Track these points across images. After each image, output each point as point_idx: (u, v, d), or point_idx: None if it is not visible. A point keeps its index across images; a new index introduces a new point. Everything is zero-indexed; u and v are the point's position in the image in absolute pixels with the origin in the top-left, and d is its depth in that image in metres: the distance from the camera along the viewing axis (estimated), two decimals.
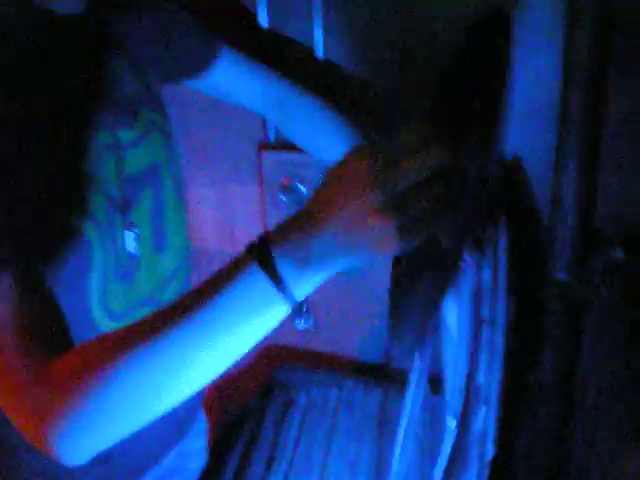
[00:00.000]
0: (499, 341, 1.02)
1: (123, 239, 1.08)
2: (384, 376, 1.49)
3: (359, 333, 1.67)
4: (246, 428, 1.40)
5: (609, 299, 1.09)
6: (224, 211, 1.71)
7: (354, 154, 0.78)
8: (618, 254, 1.11)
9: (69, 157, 1.00)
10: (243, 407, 1.47)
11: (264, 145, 1.60)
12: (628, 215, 1.34)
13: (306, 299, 0.81)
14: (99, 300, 1.06)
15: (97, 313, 1.06)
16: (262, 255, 0.78)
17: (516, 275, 1.11)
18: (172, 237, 1.19)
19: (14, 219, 0.88)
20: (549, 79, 1.25)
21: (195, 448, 1.41)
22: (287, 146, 1.57)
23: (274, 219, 1.62)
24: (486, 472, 0.90)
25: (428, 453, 1.23)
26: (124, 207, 1.08)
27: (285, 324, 1.66)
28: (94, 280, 1.04)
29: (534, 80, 1.20)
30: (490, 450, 0.91)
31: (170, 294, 1.19)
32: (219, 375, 0.82)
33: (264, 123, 1.59)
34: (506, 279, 1.07)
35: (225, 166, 1.68)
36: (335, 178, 0.78)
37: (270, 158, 1.58)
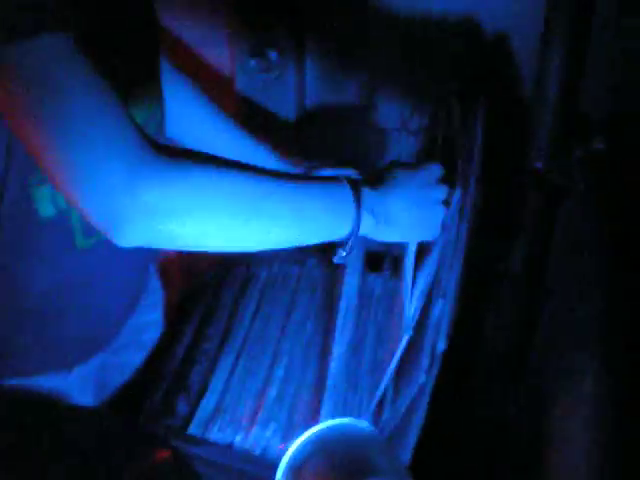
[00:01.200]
0: (463, 232, 0.98)
1: None
2: None
3: None
4: (203, 301, 1.36)
5: (587, 192, 1.05)
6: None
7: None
8: (600, 145, 1.07)
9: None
10: (202, 279, 1.43)
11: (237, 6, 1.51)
12: (613, 100, 1.29)
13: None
14: None
15: None
16: (354, 183, 0.97)
17: (489, 160, 1.07)
18: None
19: None
20: None
21: (151, 320, 1.38)
22: (258, 7, 1.48)
23: (243, 84, 1.54)
24: (436, 366, 0.88)
25: (376, 337, 1.21)
26: None
27: None
28: None
29: None
30: (442, 345, 0.89)
31: None
32: (273, 245, 0.93)
33: None
34: (477, 166, 1.03)
35: (194, 31, 1.58)
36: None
37: (242, 21, 1.49)
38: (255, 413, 1.12)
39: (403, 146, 1.52)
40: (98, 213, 0.81)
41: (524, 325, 1.26)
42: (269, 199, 0.90)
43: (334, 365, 1.14)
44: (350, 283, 1.28)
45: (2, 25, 0.76)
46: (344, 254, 0.99)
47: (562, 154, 1.08)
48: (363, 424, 0.98)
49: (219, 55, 1.57)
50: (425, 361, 0.89)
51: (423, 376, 0.89)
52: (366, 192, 0.98)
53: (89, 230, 1.03)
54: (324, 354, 1.18)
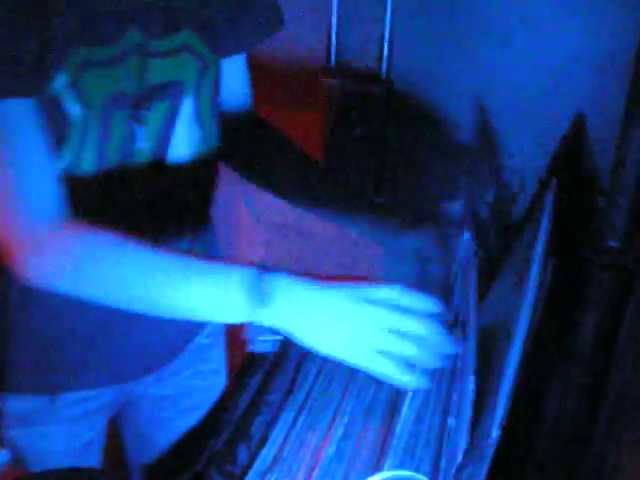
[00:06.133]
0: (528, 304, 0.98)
1: (126, 135, 1.10)
2: None
3: (390, 273, 1.64)
4: (269, 356, 1.39)
5: None
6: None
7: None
8: None
9: (89, 25, 1.02)
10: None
11: (324, 71, 1.56)
12: None
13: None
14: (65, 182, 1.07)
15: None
16: (261, 269, 0.94)
17: (561, 237, 1.07)
18: (175, 157, 1.18)
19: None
20: (626, 37, 1.19)
21: (212, 369, 1.45)
22: (348, 74, 1.54)
23: (329, 146, 1.59)
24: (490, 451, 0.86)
25: (440, 404, 1.20)
26: (134, 104, 1.09)
27: (325, 256, 1.65)
28: (67, 149, 1.05)
29: (609, 35, 1.15)
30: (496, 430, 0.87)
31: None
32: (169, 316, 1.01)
33: (327, 48, 1.55)
34: (547, 240, 1.03)
35: (285, 88, 1.64)
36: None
37: (330, 84, 1.55)
38: (312, 469, 1.13)
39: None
40: (7, 251, 1.00)
41: (590, 405, 1.24)
42: (147, 281, 0.98)
43: (400, 428, 1.13)
44: None
45: None
46: (260, 346, 1.00)
47: (636, 235, 1.09)
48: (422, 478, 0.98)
49: (308, 114, 1.63)
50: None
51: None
52: (272, 277, 0.93)
53: None
54: (388, 416, 1.18)
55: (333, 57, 1.55)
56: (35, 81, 0.97)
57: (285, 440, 1.17)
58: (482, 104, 1.51)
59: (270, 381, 1.32)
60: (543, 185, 1.15)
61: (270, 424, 1.21)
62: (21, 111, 0.98)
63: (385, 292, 0.93)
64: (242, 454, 1.17)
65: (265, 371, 1.35)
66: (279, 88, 1.63)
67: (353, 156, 1.59)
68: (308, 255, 1.71)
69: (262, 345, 0.96)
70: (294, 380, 1.30)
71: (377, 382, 1.25)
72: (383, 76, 1.52)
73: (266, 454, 1.16)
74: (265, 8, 1.26)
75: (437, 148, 1.58)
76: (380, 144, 1.56)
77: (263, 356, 1.39)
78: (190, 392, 1.43)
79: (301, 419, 1.22)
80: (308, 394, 1.27)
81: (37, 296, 1.09)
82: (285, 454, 1.15)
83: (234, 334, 1.51)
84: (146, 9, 1.07)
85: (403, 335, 0.90)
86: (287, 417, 1.22)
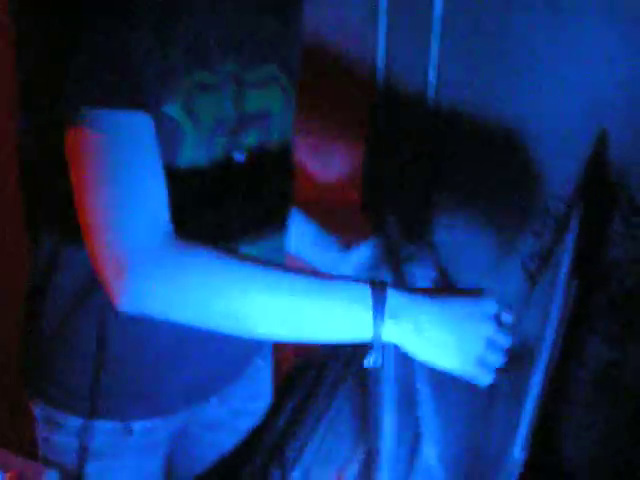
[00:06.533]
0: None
1: (225, 160, 1.11)
2: None
3: None
4: (308, 377, 1.40)
5: None
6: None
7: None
8: None
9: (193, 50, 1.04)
10: (309, 356, 1.47)
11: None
12: None
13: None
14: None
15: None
16: (378, 285, 0.94)
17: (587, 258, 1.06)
18: (266, 186, 1.20)
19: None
20: None
21: (261, 390, 1.46)
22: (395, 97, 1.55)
23: (369, 178, 1.60)
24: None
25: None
26: (233, 130, 1.11)
27: None
28: (173, 181, 1.03)
29: None
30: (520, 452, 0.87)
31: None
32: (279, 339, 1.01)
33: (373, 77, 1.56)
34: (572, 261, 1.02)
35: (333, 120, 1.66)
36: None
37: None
38: None
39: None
40: (102, 277, 0.93)
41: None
42: (265, 294, 0.94)
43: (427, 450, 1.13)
44: None
45: (95, 88, 0.91)
46: (372, 360, 0.95)
47: None
48: None
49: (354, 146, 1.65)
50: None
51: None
52: (391, 294, 0.93)
53: None
54: (414, 439, 1.18)
55: (381, 79, 1.56)
56: (156, 98, 0.98)
57: (312, 463, 1.18)
58: (526, 129, 1.51)
59: (306, 406, 1.33)
60: (570, 207, 1.15)
61: (302, 448, 1.22)
62: (137, 125, 0.96)
63: (491, 307, 0.98)
64: (276, 478, 1.18)
65: (302, 395, 1.36)
66: (327, 111, 1.65)
67: (398, 178, 1.60)
68: None
69: (373, 360, 0.95)
70: (329, 404, 1.31)
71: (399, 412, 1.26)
72: (430, 103, 1.53)
73: (298, 476, 1.17)
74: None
75: (481, 171, 1.58)
76: (426, 164, 1.57)
77: (300, 379, 1.40)
78: (240, 414, 1.43)
79: (328, 441, 1.22)
80: (340, 417, 1.27)
81: (118, 324, 1.11)
82: (316, 475, 1.16)
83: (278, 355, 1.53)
84: (240, 40, 1.11)
85: (499, 347, 0.98)
86: (316, 441, 1.22)
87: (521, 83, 1.49)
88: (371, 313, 0.92)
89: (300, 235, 1.38)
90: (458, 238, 1.59)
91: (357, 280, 0.96)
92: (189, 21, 1.03)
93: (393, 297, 0.93)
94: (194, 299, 0.94)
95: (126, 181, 0.94)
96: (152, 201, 0.96)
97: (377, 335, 0.93)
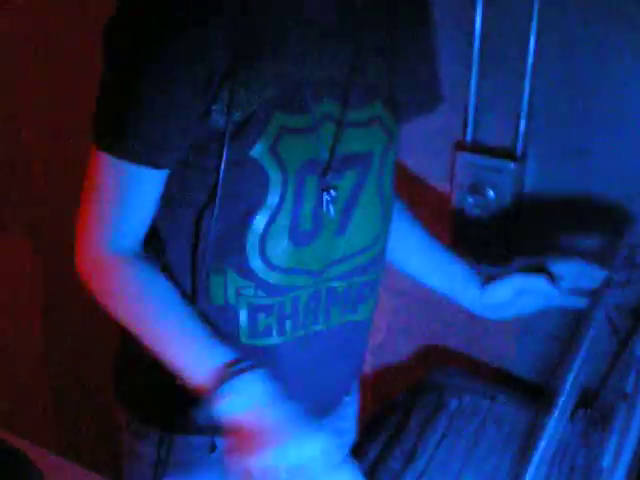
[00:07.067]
0: None
1: (316, 201, 1.14)
2: (540, 396, 1.45)
3: (522, 348, 1.64)
4: (392, 421, 1.41)
5: None
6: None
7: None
8: None
9: (280, 94, 1.08)
10: (393, 401, 1.47)
11: (460, 145, 1.59)
12: None
13: None
14: (257, 242, 1.12)
15: (252, 254, 1.13)
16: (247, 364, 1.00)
17: None
18: (356, 227, 1.20)
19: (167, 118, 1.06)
20: None
21: (347, 427, 1.46)
22: (483, 149, 1.56)
23: (459, 219, 1.61)
24: None
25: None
26: (325, 171, 1.13)
27: (448, 325, 1.67)
28: (258, 221, 1.11)
29: None
30: None
31: (334, 274, 1.21)
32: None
33: (464, 122, 1.58)
34: None
35: (418, 160, 1.68)
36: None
37: (464, 159, 1.57)
38: None
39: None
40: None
41: None
42: (156, 325, 1.08)
43: None
44: (552, 426, 1.27)
45: (107, 137, 1.07)
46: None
47: None
48: None
49: (439, 187, 1.66)
50: None
51: None
52: (243, 378, 0.98)
53: (254, 332, 1.17)
54: None
55: (469, 132, 1.58)
56: (161, 155, 1.08)
57: None
58: (613, 183, 1.50)
59: (391, 447, 1.33)
60: None
61: None
62: (138, 175, 1.08)
63: (310, 451, 0.93)
64: None
65: (386, 438, 1.37)
66: (413, 160, 1.67)
67: (483, 230, 1.60)
68: (434, 325, 1.73)
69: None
70: (415, 448, 1.32)
71: (499, 454, 1.26)
72: (518, 153, 1.54)
73: None
74: (430, 83, 1.32)
75: (569, 225, 1.57)
76: (511, 219, 1.57)
77: (384, 422, 1.41)
78: None
79: None
80: (428, 462, 1.28)
81: None
82: None
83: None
84: (344, 81, 1.12)
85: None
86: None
87: (613, 140, 1.48)
88: (214, 381, 0.99)
89: (447, 273, 1.38)
90: None
91: (224, 351, 1.03)
92: (273, 66, 1.06)
93: (244, 383, 0.98)
94: (114, 300, 1.12)
95: (105, 208, 1.11)
96: (120, 226, 1.12)
97: (209, 399, 0.99)
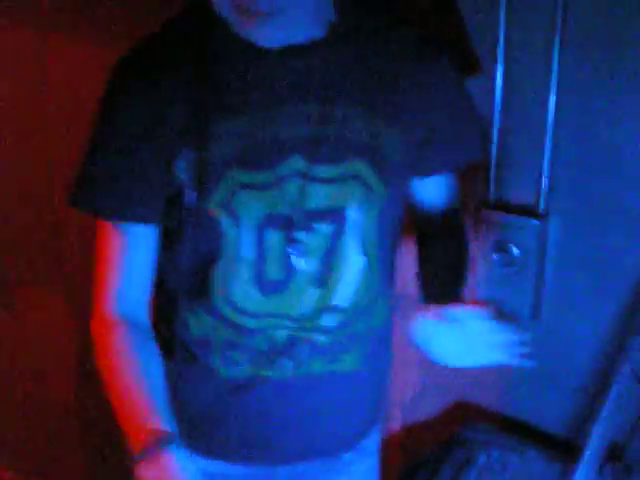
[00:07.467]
0: None
1: (282, 254, 1.17)
2: (568, 451, 1.45)
3: (550, 403, 1.64)
4: (422, 477, 1.41)
5: None
6: None
7: None
8: None
9: (244, 150, 1.12)
10: (421, 458, 1.48)
11: (484, 203, 1.61)
12: None
13: None
14: (222, 288, 1.18)
15: (217, 299, 1.19)
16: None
17: None
18: (336, 279, 1.21)
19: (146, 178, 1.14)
20: None
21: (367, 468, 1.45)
22: (506, 207, 1.58)
23: (482, 276, 1.62)
24: None
25: None
26: (287, 226, 1.16)
27: (478, 382, 1.66)
28: (220, 268, 1.17)
29: None
30: None
31: (317, 323, 1.23)
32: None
33: (486, 181, 1.60)
34: None
35: None
36: None
37: (488, 217, 1.59)
38: None
39: None
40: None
41: None
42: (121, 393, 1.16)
43: None
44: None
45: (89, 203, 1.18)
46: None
47: None
48: None
49: None
50: None
51: None
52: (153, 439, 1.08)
53: (227, 367, 1.24)
54: None
55: (492, 190, 1.59)
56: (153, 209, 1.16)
57: None
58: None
59: None
60: None
61: None
62: (126, 232, 1.17)
63: None
64: None
65: None
66: None
67: (506, 288, 1.61)
68: (462, 381, 1.72)
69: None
70: None
71: None
72: (541, 210, 1.55)
73: None
74: (463, 136, 1.31)
75: (593, 285, 1.57)
76: (535, 277, 1.58)
77: (413, 476, 1.42)
78: None
79: None
80: None
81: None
82: None
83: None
84: (313, 138, 1.13)
85: None
86: None
87: (636, 196, 1.48)
88: (140, 448, 1.08)
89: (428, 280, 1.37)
90: (565, 343, 1.59)
91: (156, 429, 1.10)
92: (231, 126, 1.11)
93: (161, 459, 1.07)
94: (98, 360, 1.19)
95: (108, 269, 1.19)
96: (120, 288, 1.19)
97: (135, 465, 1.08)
